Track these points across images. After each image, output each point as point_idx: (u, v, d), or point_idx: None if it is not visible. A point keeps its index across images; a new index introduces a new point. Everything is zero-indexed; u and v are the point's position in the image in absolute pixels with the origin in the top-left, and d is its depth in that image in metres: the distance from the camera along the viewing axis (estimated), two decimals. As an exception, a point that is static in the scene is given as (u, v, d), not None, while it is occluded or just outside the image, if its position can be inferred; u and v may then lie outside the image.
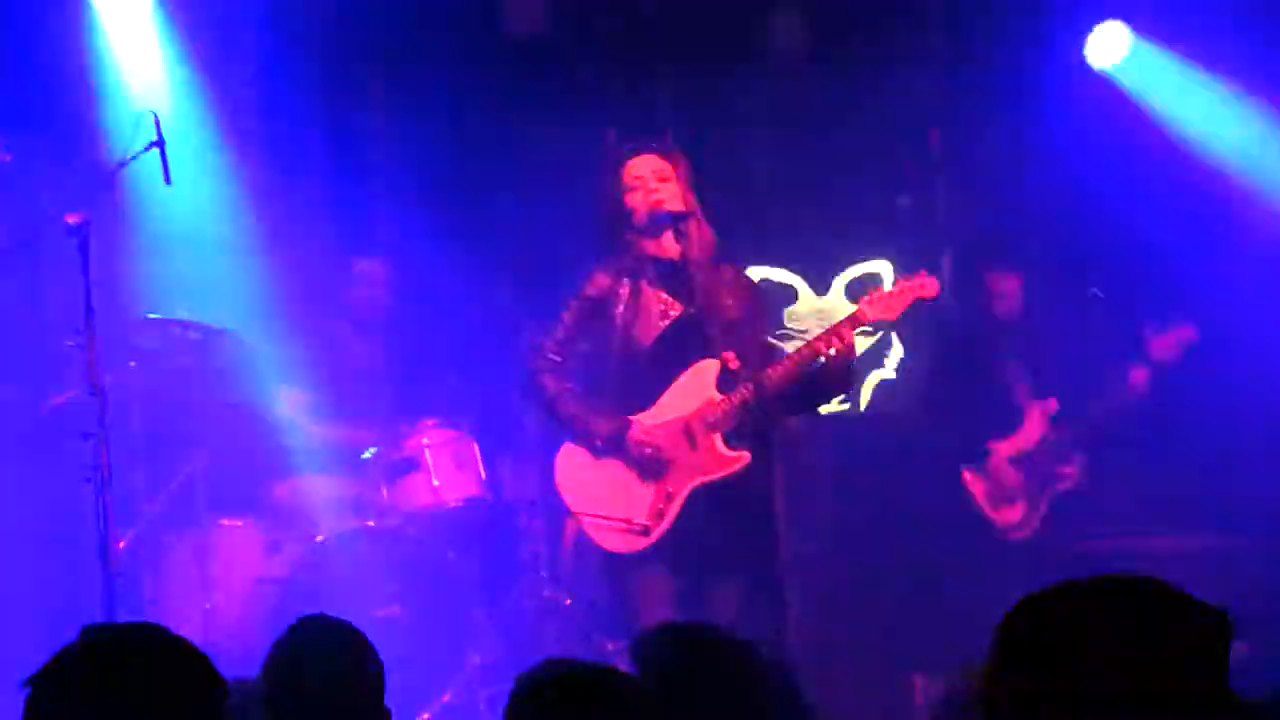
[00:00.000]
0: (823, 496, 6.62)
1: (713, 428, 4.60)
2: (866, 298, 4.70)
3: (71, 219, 4.65)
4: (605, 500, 4.63)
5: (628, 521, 4.58)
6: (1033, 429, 6.45)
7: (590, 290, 4.74)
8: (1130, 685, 1.63)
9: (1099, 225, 6.77)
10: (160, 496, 5.72)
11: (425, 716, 5.55)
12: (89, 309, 4.62)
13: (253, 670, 2.88)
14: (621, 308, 4.67)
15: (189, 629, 4.42)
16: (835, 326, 4.59)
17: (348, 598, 5.50)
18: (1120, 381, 6.34)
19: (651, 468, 4.59)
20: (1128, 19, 6.97)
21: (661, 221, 4.66)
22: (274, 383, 6.17)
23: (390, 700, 2.83)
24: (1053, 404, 6.46)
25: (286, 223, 6.61)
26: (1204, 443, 6.46)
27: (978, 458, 6.40)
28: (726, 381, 4.64)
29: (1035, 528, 6.34)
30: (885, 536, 6.59)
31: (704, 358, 4.66)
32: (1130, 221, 6.65)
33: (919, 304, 4.67)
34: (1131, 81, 7.06)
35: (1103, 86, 7.04)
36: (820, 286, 7.25)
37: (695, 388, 4.64)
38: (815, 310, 7.14)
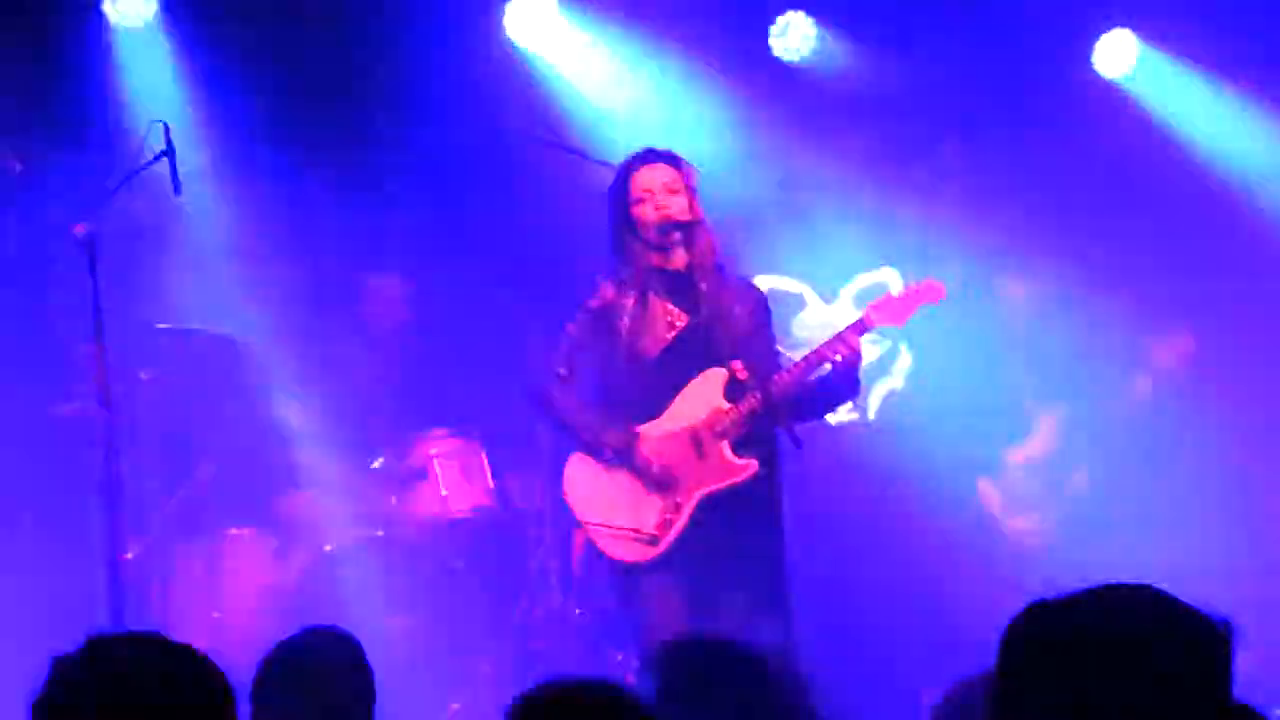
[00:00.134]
0: (830, 505, 6.61)
1: (720, 436, 4.59)
2: (873, 303, 4.70)
3: (80, 229, 4.66)
4: (613, 510, 4.63)
5: (636, 531, 4.58)
6: (1043, 436, 6.47)
7: (595, 302, 4.73)
8: (1131, 696, 1.63)
9: (1107, 232, 6.77)
10: (169, 506, 5.73)
11: (434, 725, 5.56)
12: (98, 319, 4.63)
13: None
14: (627, 319, 4.67)
15: (197, 638, 4.41)
16: (841, 332, 4.59)
17: (356, 607, 5.51)
18: (1124, 389, 6.36)
19: (659, 479, 4.59)
20: (1135, 27, 6.97)
21: (670, 233, 4.66)
22: (284, 393, 6.18)
23: (399, 709, 2.84)
24: (1060, 411, 6.47)
25: (297, 234, 6.63)
26: (1210, 449, 6.46)
27: (992, 466, 6.41)
28: (734, 390, 4.64)
29: (1049, 535, 6.35)
30: (893, 546, 6.58)
31: (711, 367, 4.66)
32: (1139, 229, 6.65)
33: (926, 309, 4.66)
34: (1139, 91, 7.06)
35: (1111, 95, 7.04)
36: (828, 296, 7.25)
37: (703, 396, 4.64)
38: (823, 319, 7.14)
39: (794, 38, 7.05)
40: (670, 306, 4.69)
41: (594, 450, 4.67)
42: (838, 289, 7.24)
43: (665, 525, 4.57)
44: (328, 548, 5.79)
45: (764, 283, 6.48)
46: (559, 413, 4.73)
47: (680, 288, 4.70)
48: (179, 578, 5.79)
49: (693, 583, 4.58)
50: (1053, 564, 6.13)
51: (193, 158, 5.88)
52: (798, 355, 4.78)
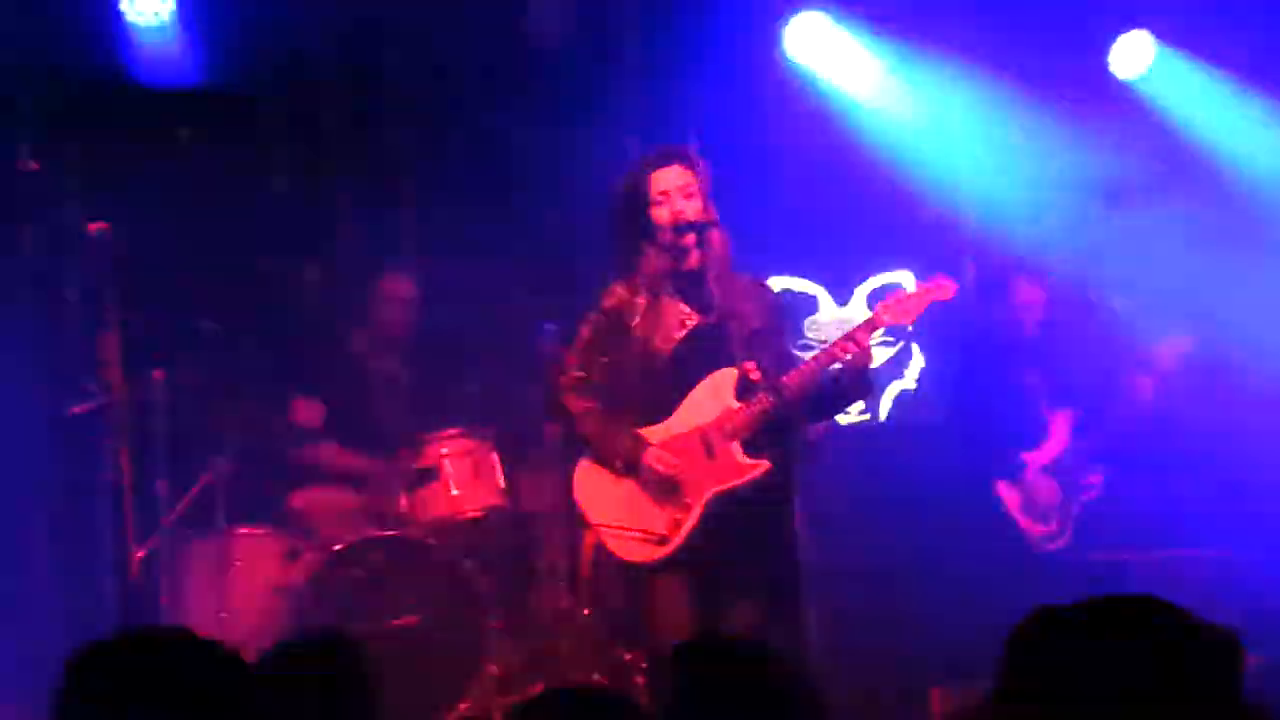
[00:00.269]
0: (841, 505, 6.60)
1: (731, 436, 4.58)
2: (883, 301, 4.68)
3: (94, 227, 4.67)
4: (623, 511, 4.61)
5: (645, 531, 4.56)
6: (1058, 439, 6.47)
7: (608, 302, 4.72)
8: (1134, 704, 1.62)
9: (1115, 235, 6.76)
10: (179, 504, 5.73)
11: (443, 726, 5.55)
12: (113, 317, 4.64)
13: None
14: (639, 319, 4.66)
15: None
16: (851, 331, 4.57)
17: (365, 607, 5.51)
18: (1128, 391, 6.37)
19: (668, 483, 4.58)
20: (1152, 28, 6.95)
21: (685, 234, 4.64)
22: (293, 393, 6.19)
23: (408, 709, 2.83)
24: (1073, 414, 6.46)
25: (312, 231, 6.63)
26: (1219, 452, 6.44)
27: (1012, 470, 6.41)
28: (745, 390, 4.62)
29: (1069, 538, 6.35)
30: (905, 547, 6.57)
31: (723, 367, 4.65)
32: (1150, 232, 6.64)
33: (936, 307, 4.64)
34: (1155, 91, 7.04)
35: (1125, 95, 7.02)
36: (842, 296, 7.24)
37: (714, 396, 4.63)
38: (836, 320, 7.13)
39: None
40: (682, 306, 4.68)
41: (604, 461, 4.66)
42: (852, 290, 7.22)
43: (675, 525, 4.56)
44: (337, 547, 5.78)
45: (778, 283, 6.50)
46: (572, 422, 4.73)
47: (693, 287, 4.69)
48: (189, 576, 5.79)
49: (702, 583, 4.56)
50: (1068, 568, 6.11)
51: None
52: (808, 355, 4.77)
